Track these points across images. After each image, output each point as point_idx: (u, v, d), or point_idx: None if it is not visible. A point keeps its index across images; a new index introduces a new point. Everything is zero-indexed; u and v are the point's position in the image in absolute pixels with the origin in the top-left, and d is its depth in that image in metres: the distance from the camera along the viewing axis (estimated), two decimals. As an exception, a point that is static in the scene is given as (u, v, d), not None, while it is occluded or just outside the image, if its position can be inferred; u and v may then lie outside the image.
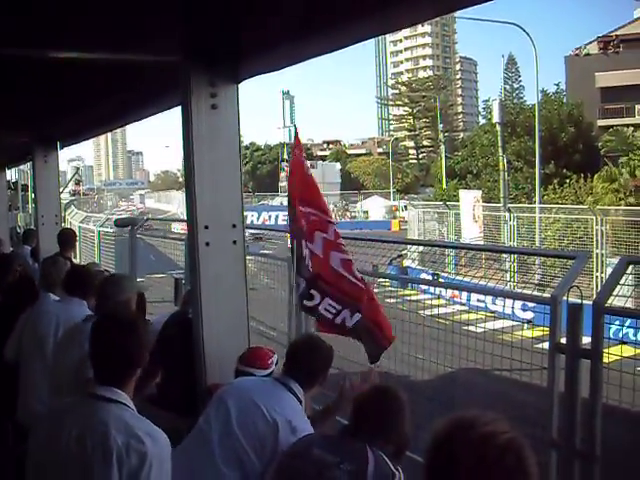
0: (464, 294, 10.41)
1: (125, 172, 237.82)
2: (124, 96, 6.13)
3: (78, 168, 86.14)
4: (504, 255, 15.63)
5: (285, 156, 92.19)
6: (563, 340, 3.87)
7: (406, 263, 17.94)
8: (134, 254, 9.96)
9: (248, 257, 9.97)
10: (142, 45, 4.26)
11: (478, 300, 11.88)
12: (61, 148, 9.26)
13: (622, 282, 3.96)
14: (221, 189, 4.34)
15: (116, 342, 2.69)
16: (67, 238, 8.10)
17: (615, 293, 3.94)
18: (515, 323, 10.45)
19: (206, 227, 4.30)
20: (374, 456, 2.83)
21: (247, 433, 3.34)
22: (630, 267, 4.08)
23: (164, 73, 4.70)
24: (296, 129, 4.19)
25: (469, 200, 28.30)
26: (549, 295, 4.00)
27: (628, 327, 5.43)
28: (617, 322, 4.20)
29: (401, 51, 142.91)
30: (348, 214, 66.69)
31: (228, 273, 4.39)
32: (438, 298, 11.32)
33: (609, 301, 3.87)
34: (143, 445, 2.50)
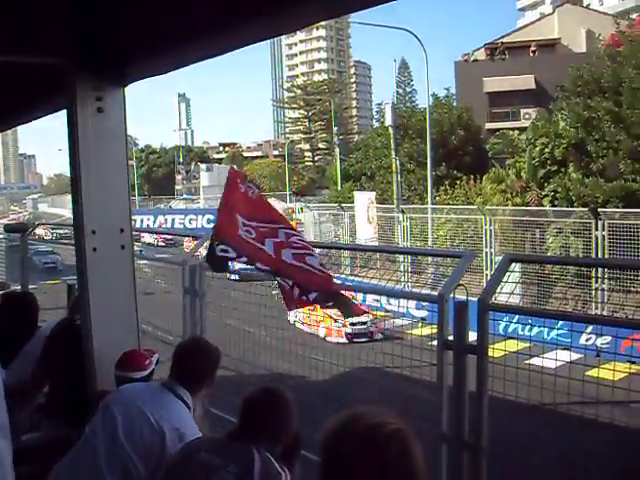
0: (359, 295, 10.55)
1: (17, 175, 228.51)
2: (7, 99, 5.90)
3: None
4: (399, 256, 15.96)
5: (181, 159, 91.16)
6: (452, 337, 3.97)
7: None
8: (25, 261, 9.58)
9: (144, 262, 9.82)
10: (23, 47, 4.12)
11: (374, 300, 12.09)
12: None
13: (505, 279, 4.11)
14: (108, 193, 4.26)
15: None
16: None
17: (507, 290, 4.08)
18: (407, 322, 10.69)
19: (93, 232, 4.19)
20: (260, 457, 2.84)
21: (133, 442, 3.27)
22: (513, 264, 4.23)
23: (49, 75, 4.55)
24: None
25: (363, 201, 28.77)
26: (436, 293, 4.10)
27: (516, 323, 5.64)
28: (505, 318, 4.36)
29: (296, 54, 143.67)
30: (245, 217, 66.33)
31: (117, 278, 4.30)
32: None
33: (500, 298, 4.02)
34: None
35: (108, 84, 4.29)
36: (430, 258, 19.06)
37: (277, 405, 3.06)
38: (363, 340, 14.94)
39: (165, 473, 3.03)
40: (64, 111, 4.45)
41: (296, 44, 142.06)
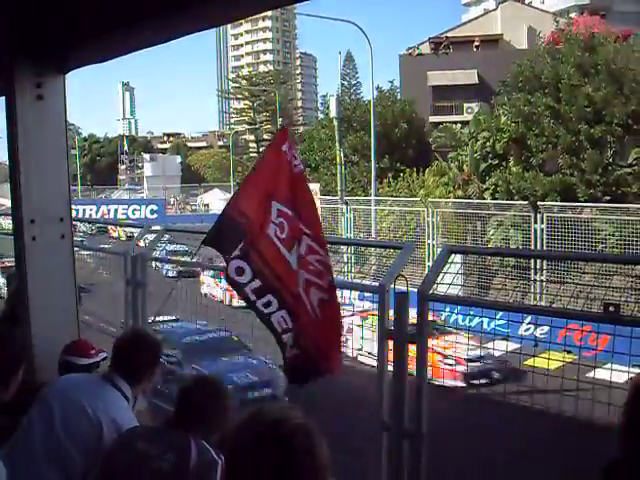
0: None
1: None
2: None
3: None
4: (342, 247, 16.02)
5: (126, 147, 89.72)
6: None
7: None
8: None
9: (86, 252, 9.66)
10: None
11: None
12: None
13: (446, 270, 4.18)
14: (48, 182, 4.19)
15: None
16: None
17: (448, 281, 4.15)
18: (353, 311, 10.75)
19: (32, 221, 4.13)
20: (197, 445, 2.85)
21: (70, 433, 3.25)
22: (453, 256, 4.30)
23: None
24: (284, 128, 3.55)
25: (308, 193, 28.77)
26: (377, 284, 4.14)
27: (457, 314, 5.75)
28: (447, 309, 4.43)
29: (242, 45, 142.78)
30: (189, 207, 65.90)
31: (56, 268, 4.24)
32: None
33: (441, 289, 4.08)
34: None
35: (48, 70, 4.22)
36: (373, 249, 19.20)
37: (212, 393, 3.08)
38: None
39: (101, 463, 3.01)
40: (2, 98, 4.37)
41: (242, 34, 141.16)
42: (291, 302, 3.51)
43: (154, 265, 9.56)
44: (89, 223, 37.03)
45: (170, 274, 16.34)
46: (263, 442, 1.81)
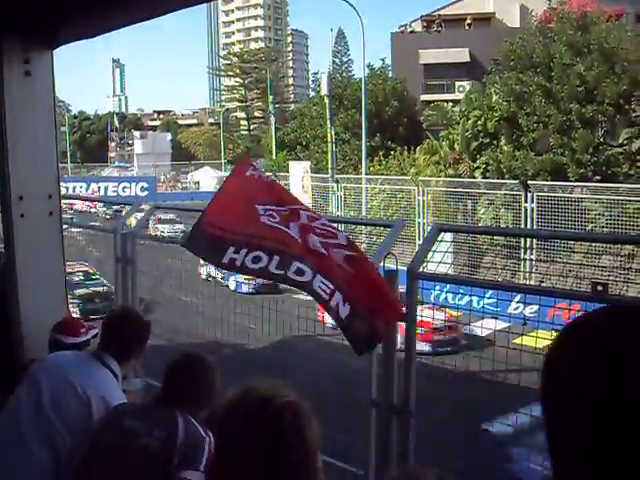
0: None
1: None
2: None
3: None
4: (334, 225, 16.03)
5: (116, 125, 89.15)
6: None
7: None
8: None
9: (76, 229, 9.62)
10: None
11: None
12: None
13: (435, 249, 4.19)
14: (36, 159, 4.18)
15: None
16: None
17: (438, 260, 4.17)
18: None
19: (20, 198, 4.12)
20: (184, 421, 2.86)
21: (59, 411, 3.25)
22: (442, 234, 4.31)
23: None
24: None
25: (298, 171, 28.79)
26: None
27: (447, 292, 5.76)
28: (437, 287, 4.44)
29: (233, 22, 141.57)
30: (179, 185, 65.70)
31: (45, 245, 4.24)
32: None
33: (431, 267, 4.10)
34: None
35: (36, 46, 4.19)
36: (364, 228, 19.22)
37: (199, 369, 3.08)
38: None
39: (89, 440, 3.01)
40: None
41: (233, 11, 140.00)
42: (320, 263, 3.48)
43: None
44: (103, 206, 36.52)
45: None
46: (252, 421, 1.82)
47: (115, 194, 53.41)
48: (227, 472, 1.88)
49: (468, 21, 42.41)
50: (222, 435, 1.91)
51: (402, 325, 3.93)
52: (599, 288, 3.24)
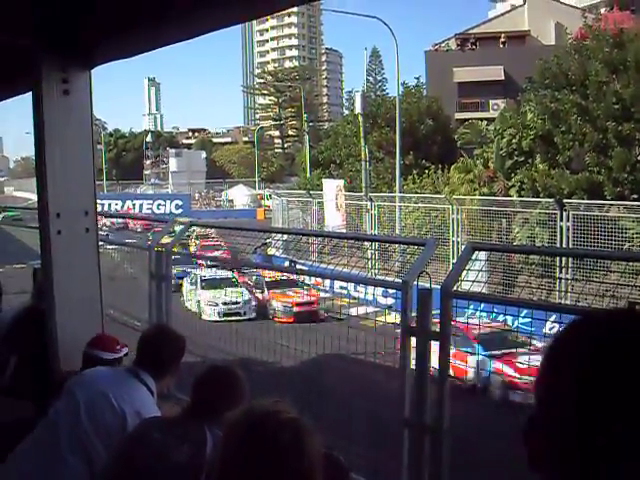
0: (327, 281, 10.61)
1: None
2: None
3: None
4: (366, 243, 16.02)
5: (149, 139, 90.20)
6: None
7: (271, 251, 18.06)
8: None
9: (111, 246, 9.75)
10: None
11: (340, 287, 12.15)
12: None
13: (469, 267, 4.16)
14: (73, 176, 4.23)
15: None
16: None
17: (472, 279, 4.13)
18: (377, 309, 10.75)
19: (57, 215, 4.17)
20: (212, 436, 2.83)
21: (95, 424, 3.29)
22: (476, 253, 4.28)
23: (14, 56, 4.50)
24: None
25: (332, 189, 28.84)
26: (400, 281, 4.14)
27: (481, 311, 5.72)
28: (471, 306, 4.40)
29: (267, 41, 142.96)
30: (213, 202, 66.23)
31: (81, 261, 4.29)
32: (302, 286, 11.50)
33: (465, 286, 4.07)
34: None
35: (74, 66, 4.26)
36: (397, 246, 19.16)
37: (227, 382, 3.06)
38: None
39: (116, 453, 3.02)
40: (29, 93, 4.41)
41: (267, 30, 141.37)
42: None
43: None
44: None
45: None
46: (251, 438, 1.80)
47: (150, 211, 54.03)
48: None
49: (502, 39, 42.28)
50: (225, 452, 1.89)
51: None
52: (637, 308, 3.18)
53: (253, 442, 1.79)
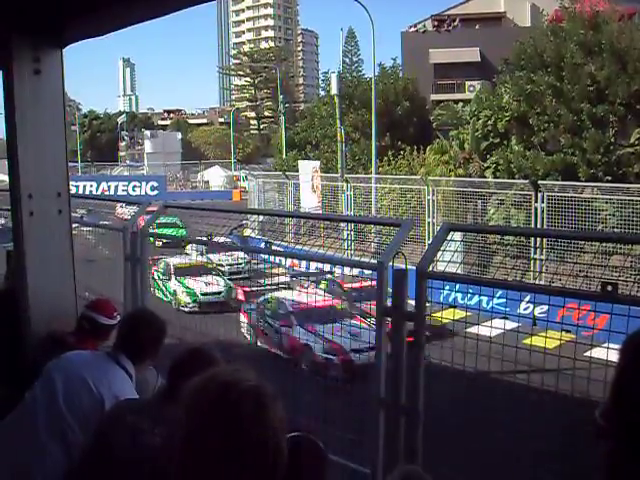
0: (303, 262, 10.61)
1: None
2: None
3: None
4: (342, 224, 16.02)
5: (125, 125, 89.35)
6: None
7: (246, 232, 18.00)
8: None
9: (85, 228, 9.64)
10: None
11: (316, 268, 12.14)
12: None
13: (444, 248, 4.17)
14: (45, 157, 4.19)
15: None
16: None
17: (447, 259, 4.14)
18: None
19: (30, 196, 4.13)
20: None
21: (72, 407, 3.28)
22: (452, 234, 4.29)
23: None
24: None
25: (308, 170, 28.78)
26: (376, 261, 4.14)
27: (457, 292, 5.73)
28: (447, 287, 4.41)
29: (243, 21, 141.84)
30: (189, 184, 65.88)
31: (54, 243, 4.25)
32: (278, 267, 11.50)
33: (440, 266, 4.08)
34: None
35: (46, 45, 4.19)
36: (373, 227, 19.21)
37: (204, 364, 3.06)
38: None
39: (91, 437, 3.00)
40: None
41: (243, 10, 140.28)
42: None
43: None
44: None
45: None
46: (212, 408, 1.79)
47: (125, 193, 53.63)
48: (191, 459, 1.84)
49: (478, 20, 42.28)
50: (187, 422, 1.87)
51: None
52: (609, 288, 3.21)
53: (215, 413, 1.78)
